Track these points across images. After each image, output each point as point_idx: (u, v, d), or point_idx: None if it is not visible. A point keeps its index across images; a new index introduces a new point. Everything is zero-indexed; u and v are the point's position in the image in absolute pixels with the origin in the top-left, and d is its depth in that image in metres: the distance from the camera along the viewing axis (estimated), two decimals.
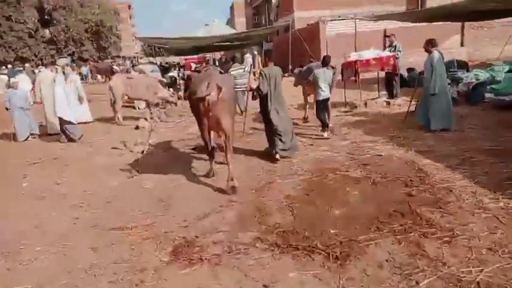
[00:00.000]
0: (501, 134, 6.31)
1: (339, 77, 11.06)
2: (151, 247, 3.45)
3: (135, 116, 11.34)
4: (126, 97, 10.93)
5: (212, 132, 5.20)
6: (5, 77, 21.80)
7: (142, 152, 7.18)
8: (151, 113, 10.84)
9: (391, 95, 10.25)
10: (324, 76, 7.12)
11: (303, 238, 3.36)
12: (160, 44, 21.50)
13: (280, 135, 5.83)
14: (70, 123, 8.50)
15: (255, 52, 22.45)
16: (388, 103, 9.77)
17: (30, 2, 44.15)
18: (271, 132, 5.89)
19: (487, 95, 8.58)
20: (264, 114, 6.03)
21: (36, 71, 21.94)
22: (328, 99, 7.18)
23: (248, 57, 20.84)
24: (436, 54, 6.72)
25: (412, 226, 3.47)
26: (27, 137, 9.10)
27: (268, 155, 5.98)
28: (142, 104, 12.67)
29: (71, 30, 45.98)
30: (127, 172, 5.90)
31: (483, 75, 9.15)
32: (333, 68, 7.49)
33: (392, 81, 10.12)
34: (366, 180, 4.73)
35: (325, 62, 7.41)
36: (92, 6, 47.89)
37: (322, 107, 7.16)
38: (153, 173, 5.75)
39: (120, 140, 8.16)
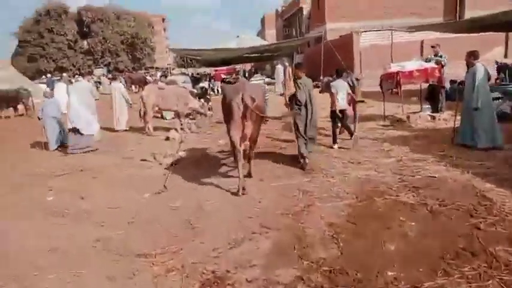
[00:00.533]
0: None
1: (377, 88, 10.53)
2: (176, 282, 3.00)
3: (166, 127, 11.14)
4: (156, 108, 10.79)
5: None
6: (44, 86, 22.51)
7: (172, 164, 6.85)
8: (181, 124, 10.60)
9: (436, 109, 9.49)
10: (337, 87, 7.23)
11: (354, 281, 2.81)
12: (192, 55, 21.63)
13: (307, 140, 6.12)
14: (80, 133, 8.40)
15: (286, 63, 22.00)
16: (433, 117, 9.01)
17: (70, 15, 46.25)
18: (301, 137, 6.12)
19: None
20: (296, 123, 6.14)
21: (73, 80, 22.59)
22: (344, 109, 7.24)
23: (280, 69, 20.50)
24: (478, 67, 6.30)
25: (488, 271, 2.85)
26: (58, 147, 9.05)
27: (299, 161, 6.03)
28: (169, 115, 12.54)
29: (107, 41, 47.67)
30: (155, 187, 5.56)
31: None
32: (357, 79, 7.99)
33: (438, 94, 9.38)
34: (422, 207, 4.12)
35: (338, 74, 7.79)
36: (128, 18, 49.51)
37: (337, 118, 7.20)
38: (182, 189, 5.38)
39: (150, 151, 7.90)
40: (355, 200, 4.43)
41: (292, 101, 6.17)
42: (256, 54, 22.90)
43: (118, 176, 6.38)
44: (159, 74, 21.28)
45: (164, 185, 5.52)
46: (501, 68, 10.25)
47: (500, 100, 8.66)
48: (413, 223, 3.72)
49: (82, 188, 5.74)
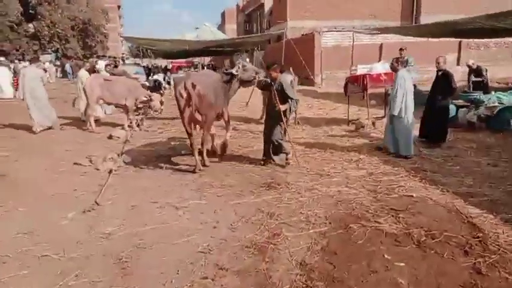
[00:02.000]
0: None
1: (337, 89, 10.07)
2: None
3: (115, 122, 9.93)
4: (101, 101, 9.53)
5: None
6: None
7: (110, 171, 5.79)
8: (129, 121, 9.45)
9: None
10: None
11: None
12: (146, 45, 20.19)
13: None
14: None
15: (247, 59, 21.26)
16: None
17: None
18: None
19: None
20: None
21: (20, 66, 20.39)
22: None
23: (239, 64, 19.62)
24: (401, 73, 6.32)
25: None
26: None
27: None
28: (109, 109, 11.32)
29: (56, 26, 44.12)
30: (84, 202, 4.51)
31: (507, 98, 8.12)
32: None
33: None
34: (407, 239, 3.47)
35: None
36: (80, 3, 46.19)
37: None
38: (118, 207, 4.38)
39: (88, 153, 6.76)
40: (329, 228, 3.70)
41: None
42: (217, 48, 21.95)
43: (40, 186, 5.22)
44: (102, 62, 19.42)
45: (96, 201, 4.49)
46: (474, 71, 10.04)
47: (465, 109, 8.45)
48: (402, 263, 3.05)
49: None
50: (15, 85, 15.38)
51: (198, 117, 5.52)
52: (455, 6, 23.24)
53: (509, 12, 8.03)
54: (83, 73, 10.53)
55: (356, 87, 8.76)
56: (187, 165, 6.03)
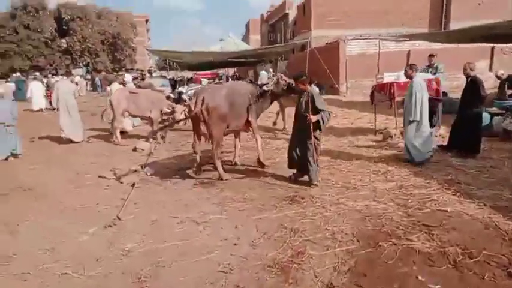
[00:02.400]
0: None
1: (362, 98, 9.76)
2: None
3: (141, 135, 10.06)
4: (127, 113, 9.69)
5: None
6: (13, 85, 21.00)
7: (133, 185, 5.79)
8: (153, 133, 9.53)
9: (431, 124, 8.73)
10: None
11: None
12: (172, 57, 20.59)
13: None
14: None
15: (271, 70, 21.24)
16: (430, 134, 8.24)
17: (49, 11, 44.33)
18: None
19: None
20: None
21: (53, 80, 21.39)
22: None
23: (263, 74, 19.64)
24: (416, 80, 6.29)
25: None
26: (7, 157, 7.85)
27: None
28: (137, 120, 11.49)
29: (86, 40, 45.90)
30: (106, 217, 4.50)
31: None
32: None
33: (433, 107, 8.62)
34: (442, 258, 3.22)
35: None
36: (110, 18, 47.88)
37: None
38: (140, 222, 4.34)
39: (112, 165, 6.83)
40: (356, 246, 3.49)
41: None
42: (240, 59, 22.10)
43: (64, 199, 5.27)
44: (128, 75, 19.88)
45: (117, 216, 4.46)
46: (507, 80, 9.48)
47: (500, 116, 7.99)
48: (437, 286, 2.81)
49: (16, 218, 4.62)
50: (49, 98, 16.19)
51: (205, 129, 5.71)
52: (485, 13, 22.47)
53: None
54: (115, 86, 10.84)
55: (383, 95, 8.47)
56: (209, 178, 5.95)
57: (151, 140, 9.35)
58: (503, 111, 7.91)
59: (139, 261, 3.38)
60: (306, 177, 5.44)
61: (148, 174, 6.40)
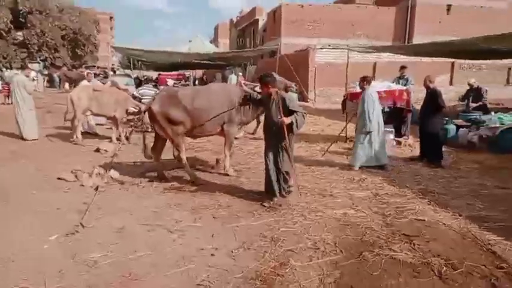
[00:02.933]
0: None
1: (331, 106, 9.85)
2: None
3: (102, 134, 9.50)
4: (89, 112, 9.13)
5: None
6: None
7: (97, 188, 5.37)
8: (119, 133, 9.04)
9: (399, 133, 8.95)
10: None
11: None
12: (137, 56, 19.95)
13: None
14: None
15: (240, 73, 21.11)
16: (399, 143, 8.42)
17: (5, 2, 41.65)
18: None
19: None
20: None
21: (9, 73, 20.02)
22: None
23: (232, 78, 19.39)
24: (369, 91, 6.44)
25: None
26: None
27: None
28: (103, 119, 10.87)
29: (45, 35, 43.58)
30: (68, 223, 4.09)
31: (508, 119, 8.00)
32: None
33: (403, 117, 8.85)
34: (426, 269, 3.16)
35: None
36: (72, 13, 45.81)
37: None
38: (105, 230, 3.97)
39: (72, 166, 6.33)
40: (340, 256, 3.37)
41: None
42: (208, 62, 21.85)
43: (23, 203, 4.77)
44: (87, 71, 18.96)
45: (81, 222, 4.07)
46: (475, 90, 9.84)
47: (465, 128, 8.30)
48: None
49: None
50: (7, 92, 15.20)
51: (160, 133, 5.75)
52: (448, 29, 23.68)
53: (504, 35, 8.02)
54: (84, 84, 10.27)
55: (355, 104, 8.54)
56: (180, 183, 5.65)
57: (115, 140, 8.87)
58: (469, 124, 8.21)
59: (107, 275, 3.04)
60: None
61: (113, 177, 5.99)
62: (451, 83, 20.91)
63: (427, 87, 6.94)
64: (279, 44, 24.38)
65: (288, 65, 19.61)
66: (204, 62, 21.03)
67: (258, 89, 5.88)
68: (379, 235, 3.85)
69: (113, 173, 6.09)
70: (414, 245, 3.63)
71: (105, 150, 7.93)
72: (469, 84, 9.83)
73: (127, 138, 9.07)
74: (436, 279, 3.02)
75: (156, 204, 4.75)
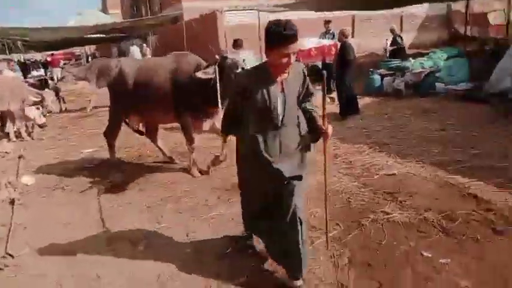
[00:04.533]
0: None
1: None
2: None
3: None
4: None
5: None
6: None
7: (12, 202, 4.25)
8: (16, 130, 7.48)
9: (329, 90, 8.97)
10: None
11: None
12: (14, 36, 16.82)
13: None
14: None
15: (144, 44, 19.30)
16: (332, 99, 8.42)
17: None
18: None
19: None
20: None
21: None
22: None
23: (135, 50, 17.52)
24: (241, 54, 6.48)
25: None
26: None
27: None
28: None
29: None
30: None
31: (427, 63, 8.47)
32: None
33: (331, 73, 8.83)
34: (428, 226, 3.02)
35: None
36: None
37: None
38: (45, 255, 3.07)
39: None
40: (339, 230, 3.06)
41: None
42: (102, 35, 19.63)
43: None
44: None
45: (7, 252, 3.10)
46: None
47: (390, 77, 8.59)
48: (447, 259, 2.56)
49: None
50: None
51: None
52: None
53: None
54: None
55: None
56: (118, 179, 4.76)
57: (13, 138, 7.33)
58: (392, 72, 8.50)
59: None
60: None
61: (29, 184, 4.84)
62: (352, 36, 21.91)
63: (341, 41, 7.02)
64: (180, 9, 22.91)
65: (195, 31, 18.57)
66: (98, 36, 18.83)
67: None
68: (363, 198, 3.65)
69: (27, 179, 4.93)
70: (401, 202, 3.50)
71: (6, 153, 6.47)
72: (391, 30, 10.14)
73: (29, 134, 7.57)
74: (443, 236, 2.89)
75: (97, 209, 3.89)
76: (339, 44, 8.64)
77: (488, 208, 3.23)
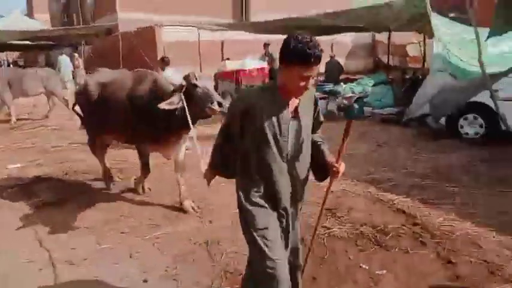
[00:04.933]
0: (431, 149, 6.04)
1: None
2: None
3: None
4: None
5: None
6: None
7: None
8: None
9: None
10: None
11: None
12: None
13: None
14: None
15: (75, 54, 18.24)
16: None
17: None
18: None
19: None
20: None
21: None
22: None
23: (63, 60, 16.38)
24: (166, 72, 6.64)
25: None
26: None
27: None
28: None
29: None
30: None
31: (357, 89, 9.20)
32: None
33: None
34: (365, 240, 3.28)
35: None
36: None
37: None
38: None
39: None
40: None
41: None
42: (27, 42, 18.40)
43: None
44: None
45: None
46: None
47: (324, 100, 9.15)
48: (383, 271, 2.81)
49: None
50: None
51: None
52: (286, 6, 25.55)
53: (343, 11, 9.05)
54: None
55: (228, 84, 8.42)
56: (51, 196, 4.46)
57: None
58: (326, 96, 9.08)
59: None
60: None
61: None
62: None
63: (270, 65, 7.46)
64: (116, 20, 22.21)
65: (132, 44, 18.16)
66: (23, 43, 17.60)
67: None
68: (304, 212, 3.83)
69: None
70: (339, 218, 3.75)
71: None
72: (330, 56, 10.88)
73: None
74: (378, 248, 3.16)
75: (28, 231, 3.60)
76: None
77: (415, 222, 3.60)
